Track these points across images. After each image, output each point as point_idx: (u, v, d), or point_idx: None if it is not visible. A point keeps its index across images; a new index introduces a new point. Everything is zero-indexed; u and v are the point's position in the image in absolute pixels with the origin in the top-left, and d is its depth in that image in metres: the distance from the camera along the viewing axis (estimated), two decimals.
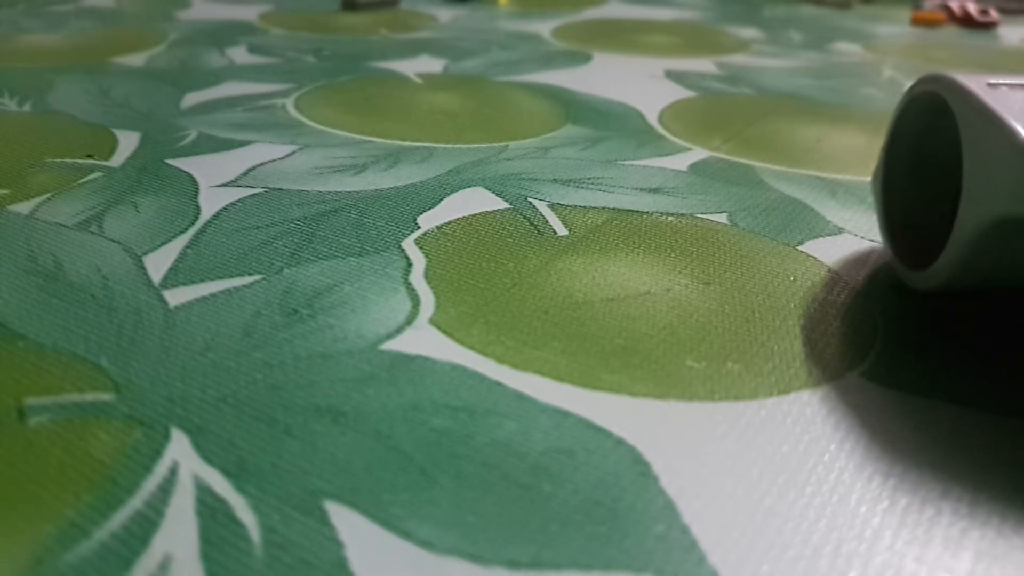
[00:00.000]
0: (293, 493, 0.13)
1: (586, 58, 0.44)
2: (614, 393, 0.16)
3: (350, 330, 0.17)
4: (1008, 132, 0.16)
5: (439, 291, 0.19)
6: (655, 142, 0.30)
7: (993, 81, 0.17)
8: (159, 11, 0.54)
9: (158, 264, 0.20)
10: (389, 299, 0.19)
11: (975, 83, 0.17)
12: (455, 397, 0.15)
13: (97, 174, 0.25)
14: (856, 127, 0.34)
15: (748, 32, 0.54)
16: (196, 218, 0.23)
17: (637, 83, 0.39)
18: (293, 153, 0.28)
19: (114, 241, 0.21)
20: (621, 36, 0.51)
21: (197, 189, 0.25)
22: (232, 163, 0.27)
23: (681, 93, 0.38)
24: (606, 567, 0.12)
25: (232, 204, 0.23)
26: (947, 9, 0.62)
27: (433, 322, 0.18)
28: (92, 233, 0.22)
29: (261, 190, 0.25)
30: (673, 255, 0.21)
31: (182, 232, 0.22)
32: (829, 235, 0.23)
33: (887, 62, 0.47)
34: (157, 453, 0.14)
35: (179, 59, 0.41)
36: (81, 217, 0.23)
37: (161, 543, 0.12)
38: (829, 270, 0.21)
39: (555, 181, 0.26)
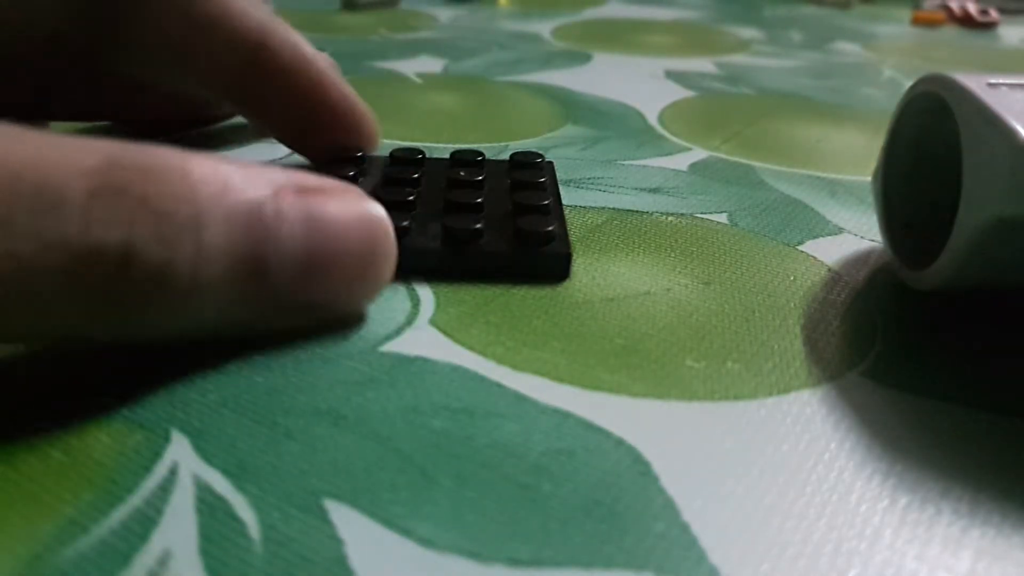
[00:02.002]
0: (293, 492, 0.13)
1: (586, 58, 0.44)
2: (614, 393, 0.16)
3: (350, 332, 0.17)
4: (1008, 132, 0.16)
5: (439, 291, 0.19)
6: (655, 142, 0.30)
7: (993, 81, 0.17)
8: None
9: None
10: (389, 299, 0.19)
11: (975, 83, 0.17)
12: (455, 398, 0.15)
13: None
14: (856, 127, 0.34)
15: (748, 32, 0.54)
16: None
17: (637, 83, 0.39)
18: (293, 153, 0.28)
19: None
20: (621, 36, 0.51)
21: None
22: None
23: (681, 93, 0.38)
24: (606, 565, 0.12)
25: None
26: (947, 9, 0.63)
27: (433, 322, 0.18)
28: None
29: None
30: (673, 255, 0.21)
31: None
32: (829, 235, 0.23)
33: (887, 62, 0.47)
34: (157, 454, 0.14)
35: None
36: None
37: (160, 539, 0.12)
38: (829, 270, 0.21)
39: None
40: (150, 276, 0.13)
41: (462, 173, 0.23)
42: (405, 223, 0.20)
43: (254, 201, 0.15)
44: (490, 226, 0.21)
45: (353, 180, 0.22)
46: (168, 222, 0.13)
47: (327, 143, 0.24)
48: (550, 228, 0.20)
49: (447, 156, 0.25)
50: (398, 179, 0.22)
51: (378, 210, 0.16)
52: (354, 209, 0.16)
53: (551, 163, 0.25)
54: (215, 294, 0.14)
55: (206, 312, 0.14)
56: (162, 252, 0.13)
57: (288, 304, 0.16)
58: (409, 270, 0.19)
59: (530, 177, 0.23)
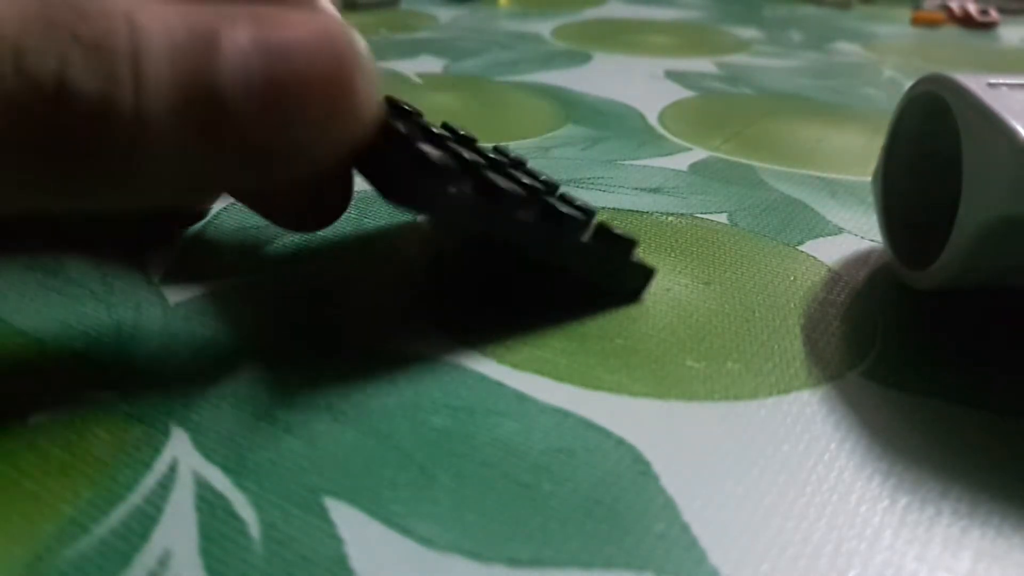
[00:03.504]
0: (293, 490, 0.13)
1: (586, 58, 0.44)
2: (614, 393, 0.16)
3: (350, 329, 0.17)
4: (1008, 132, 0.16)
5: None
6: (655, 142, 0.30)
7: (993, 81, 0.17)
8: None
9: (158, 262, 0.20)
10: (389, 297, 0.19)
11: (975, 83, 0.17)
12: (455, 397, 0.15)
13: None
14: (856, 127, 0.34)
15: (748, 32, 0.54)
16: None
17: (637, 83, 0.39)
18: None
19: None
20: (621, 36, 0.51)
21: None
22: None
23: (681, 93, 0.38)
24: (606, 565, 0.12)
25: (233, 203, 0.23)
26: (947, 9, 0.63)
27: (433, 320, 0.18)
28: None
29: None
30: (673, 255, 0.21)
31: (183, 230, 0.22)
32: (829, 235, 0.23)
33: (887, 62, 0.47)
34: (157, 450, 0.14)
35: None
36: None
37: (161, 538, 0.12)
38: (829, 270, 0.21)
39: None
40: (89, 110, 0.13)
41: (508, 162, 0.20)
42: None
43: (198, 26, 0.13)
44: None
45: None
46: (103, 53, 0.13)
47: None
48: (633, 240, 0.19)
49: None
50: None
51: (340, 23, 0.14)
52: (312, 25, 0.14)
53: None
54: (166, 131, 0.13)
55: (162, 156, 0.13)
56: (98, 83, 0.13)
57: (251, 145, 0.14)
58: (501, 234, 0.17)
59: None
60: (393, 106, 0.20)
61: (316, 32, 0.14)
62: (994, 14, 0.61)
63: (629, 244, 0.19)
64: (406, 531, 0.12)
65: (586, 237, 0.18)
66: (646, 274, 0.19)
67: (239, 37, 0.14)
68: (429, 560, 0.12)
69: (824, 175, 0.28)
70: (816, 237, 0.23)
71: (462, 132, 0.21)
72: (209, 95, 0.13)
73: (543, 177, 0.20)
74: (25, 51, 0.12)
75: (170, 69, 0.13)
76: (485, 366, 0.16)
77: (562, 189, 0.20)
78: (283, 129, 0.14)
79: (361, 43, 0.14)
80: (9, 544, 0.12)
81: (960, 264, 0.17)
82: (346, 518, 0.13)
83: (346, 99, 0.14)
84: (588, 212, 0.19)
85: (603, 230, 0.18)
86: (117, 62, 0.13)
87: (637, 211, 0.24)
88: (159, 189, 0.14)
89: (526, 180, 0.18)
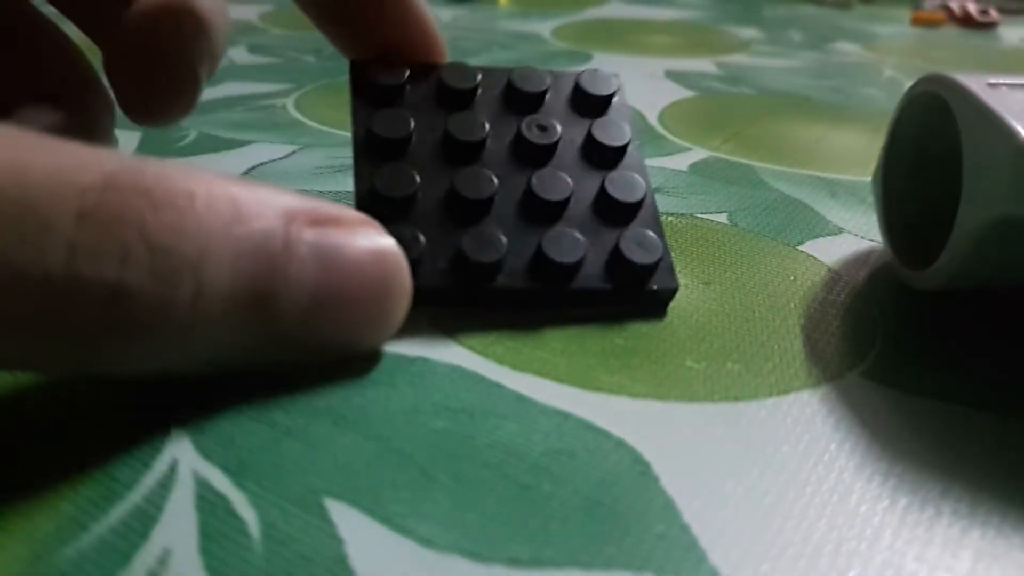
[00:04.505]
0: (293, 490, 0.13)
1: (586, 58, 0.44)
2: (614, 394, 0.16)
3: None
4: (1008, 132, 0.16)
5: None
6: (655, 142, 0.30)
7: (993, 81, 0.17)
8: None
9: None
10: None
11: (975, 83, 0.17)
12: (455, 399, 0.15)
13: None
14: (856, 127, 0.34)
15: (748, 32, 0.54)
16: None
17: (637, 83, 0.39)
18: (293, 153, 0.28)
19: None
20: (621, 36, 0.51)
21: None
22: (232, 163, 0.27)
23: (681, 93, 0.38)
24: (606, 566, 0.12)
25: None
26: (947, 9, 0.63)
27: (434, 322, 0.18)
28: None
29: None
30: (673, 255, 0.21)
31: None
32: (829, 235, 0.23)
33: (887, 62, 0.47)
34: (157, 451, 0.14)
35: None
36: None
37: (160, 537, 0.12)
38: (829, 270, 0.21)
39: None
40: (142, 316, 0.12)
41: (536, 129, 0.20)
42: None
43: (264, 232, 0.13)
44: (587, 242, 0.18)
45: (399, 91, 0.20)
46: (166, 258, 0.12)
47: (379, 48, 0.21)
48: (657, 258, 0.18)
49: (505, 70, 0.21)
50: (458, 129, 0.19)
51: (392, 245, 0.15)
52: (369, 244, 0.15)
53: (621, 94, 0.21)
54: (215, 333, 0.13)
55: (204, 350, 0.13)
56: (158, 291, 0.12)
57: (295, 344, 0.15)
58: (488, 305, 0.18)
59: (609, 137, 0.20)
60: (445, 87, 0.20)
61: (372, 252, 0.15)
62: (994, 14, 0.61)
63: (646, 273, 0.18)
64: (406, 531, 0.12)
65: (603, 281, 0.18)
66: (668, 294, 0.19)
67: (301, 246, 0.14)
68: (429, 560, 0.12)
69: (824, 175, 0.28)
70: (816, 237, 0.23)
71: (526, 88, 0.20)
72: (267, 303, 0.14)
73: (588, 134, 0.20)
74: (82, 249, 0.11)
75: (231, 276, 0.13)
76: (484, 368, 0.16)
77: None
78: (326, 332, 0.15)
79: (404, 263, 0.15)
80: (9, 542, 0.12)
81: (960, 264, 0.17)
82: (346, 518, 0.13)
83: (385, 314, 0.15)
84: (628, 204, 0.19)
85: (620, 259, 0.18)
86: (182, 269, 0.12)
87: None
88: (193, 367, 0.14)
89: (564, 197, 0.19)
